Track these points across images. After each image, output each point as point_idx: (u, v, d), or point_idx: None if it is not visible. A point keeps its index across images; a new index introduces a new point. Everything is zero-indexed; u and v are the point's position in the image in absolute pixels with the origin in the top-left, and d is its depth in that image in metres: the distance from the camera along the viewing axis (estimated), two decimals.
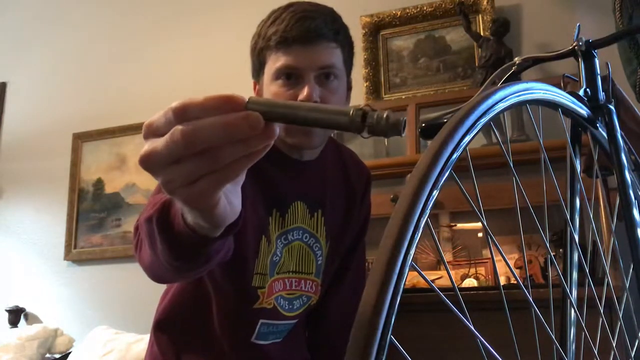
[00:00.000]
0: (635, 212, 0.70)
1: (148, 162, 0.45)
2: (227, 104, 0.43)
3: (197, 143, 0.43)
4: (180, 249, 0.63)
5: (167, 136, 0.44)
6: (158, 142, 0.44)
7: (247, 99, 0.44)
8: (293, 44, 1.06)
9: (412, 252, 0.41)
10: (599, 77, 0.78)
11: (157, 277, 0.83)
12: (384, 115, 0.40)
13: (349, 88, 1.18)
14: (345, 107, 0.41)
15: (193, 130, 0.43)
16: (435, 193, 0.44)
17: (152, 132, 0.46)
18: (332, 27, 1.09)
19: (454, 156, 0.47)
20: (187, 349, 1.18)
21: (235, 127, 0.42)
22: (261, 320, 1.16)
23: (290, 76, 1.07)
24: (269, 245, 1.15)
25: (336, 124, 0.41)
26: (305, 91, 1.05)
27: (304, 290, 1.22)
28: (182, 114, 0.44)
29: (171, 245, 0.64)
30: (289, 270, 1.19)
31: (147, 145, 0.46)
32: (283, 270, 1.18)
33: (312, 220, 1.21)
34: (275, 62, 1.08)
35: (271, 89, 1.09)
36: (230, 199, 0.51)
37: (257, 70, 1.15)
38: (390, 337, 0.38)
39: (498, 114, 0.53)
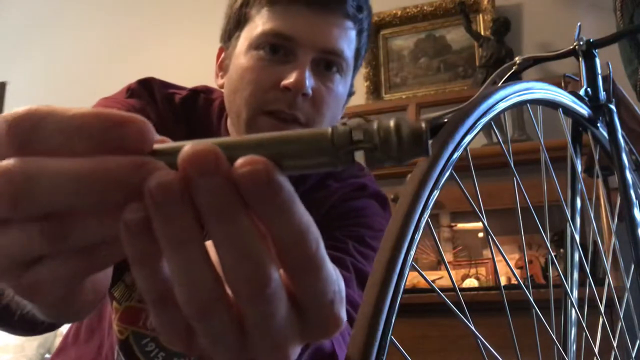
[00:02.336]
0: (636, 212, 0.70)
1: None
2: (116, 133, 0.24)
3: (32, 204, 0.23)
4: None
5: None
6: None
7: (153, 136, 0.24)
8: (296, 2, 0.74)
9: (413, 252, 0.41)
10: (599, 77, 0.77)
11: None
12: (391, 126, 0.23)
13: (350, 93, 0.85)
14: (318, 130, 0.24)
15: (26, 178, 0.23)
16: (436, 193, 0.44)
17: None
18: (356, 0, 0.77)
19: (455, 156, 0.47)
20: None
21: (116, 182, 0.23)
22: (117, 348, 0.79)
23: (277, 49, 0.74)
24: None
25: (314, 161, 0.24)
26: (294, 75, 0.71)
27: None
28: (26, 135, 0.24)
29: None
30: None
31: None
32: None
33: None
34: (262, 23, 0.74)
35: (242, 60, 0.75)
36: (95, 284, 0.28)
37: (231, 30, 0.80)
38: (391, 337, 0.38)
39: (499, 113, 0.53)
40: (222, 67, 0.83)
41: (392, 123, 0.23)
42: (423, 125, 0.23)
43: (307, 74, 0.72)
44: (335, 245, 0.78)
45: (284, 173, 0.23)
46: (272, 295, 0.24)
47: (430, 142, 0.24)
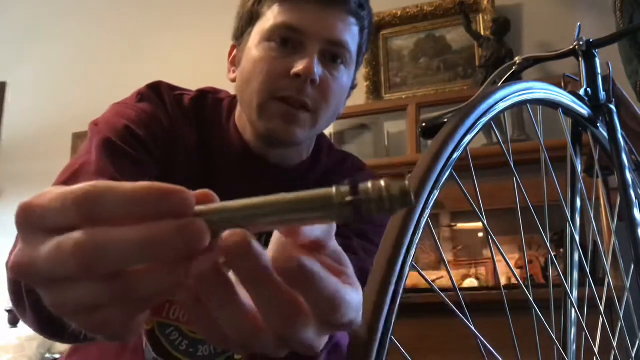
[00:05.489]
0: (635, 211, 0.70)
1: (22, 273, 0.31)
2: (163, 203, 0.29)
3: (101, 268, 0.29)
4: (54, 325, 0.45)
5: (53, 245, 0.29)
6: (39, 247, 0.30)
7: (200, 208, 0.30)
8: None
9: (413, 252, 0.41)
10: (599, 77, 0.77)
11: None
12: (382, 186, 0.29)
13: (353, 86, 0.92)
14: (325, 190, 0.29)
15: (95, 248, 0.28)
16: (436, 193, 0.44)
17: (35, 223, 0.30)
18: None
19: (455, 156, 0.47)
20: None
21: (164, 245, 0.28)
22: (145, 339, 0.83)
23: (287, 41, 0.80)
24: None
25: (319, 214, 0.30)
26: (304, 62, 0.78)
27: None
28: (92, 209, 0.29)
29: (43, 317, 0.48)
30: None
31: (22, 247, 0.31)
32: None
33: None
34: (273, 17, 0.81)
35: (254, 53, 0.82)
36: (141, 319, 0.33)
37: (243, 26, 0.87)
38: (391, 337, 0.38)
39: (499, 113, 0.53)
40: (234, 63, 0.89)
41: (383, 184, 0.29)
42: (407, 183, 0.29)
43: (316, 62, 0.79)
44: (341, 242, 0.77)
45: (296, 226, 0.31)
46: (297, 324, 0.31)
47: (413, 195, 0.29)
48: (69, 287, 0.30)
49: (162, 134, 0.82)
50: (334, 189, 0.29)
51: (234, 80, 0.88)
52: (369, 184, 0.29)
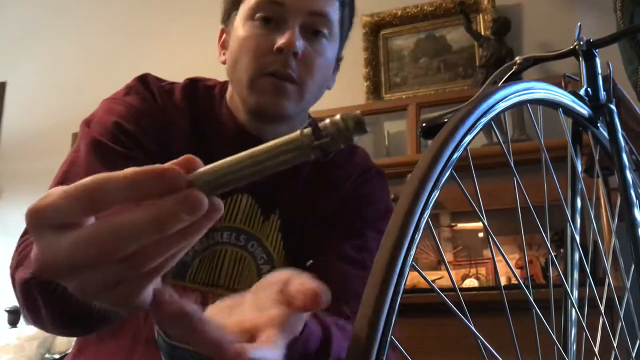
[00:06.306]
0: (636, 212, 0.70)
1: (46, 270, 0.34)
2: (159, 183, 0.32)
3: (118, 251, 0.32)
4: (72, 315, 0.48)
5: (71, 240, 0.33)
6: (57, 244, 0.33)
7: (190, 176, 0.34)
8: None
9: (413, 252, 0.41)
10: (599, 77, 0.77)
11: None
12: (338, 119, 0.33)
13: (339, 58, 0.95)
14: (292, 135, 0.34)
15: (112, 234, 0.32)
16: (436, 193, 0.44)
17: (46, 223, 0.33)
18: None
19: (455, 156, 0.47)
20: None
21: (170, 218, 0.32)
22: (156, 328, 0.88)
23: (269, 20, 0.84)
24: None
25: (291, 156, 0.34)
26: (285, 36, 0.81)
27: None
28: (95, 200, 0.32)
29: (60, 312, 0.50)
30: (217, 283, 0.87)
31: (40, 244, 0.34)
32: (207, 281, 0.88)
33: (263, 224, 0.89)
34: None
35: (240, 32, 0.85)
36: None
37: (229, 9, 0.91)
38: (391, 337, 0.38)
39: (499, 113, 0.53)
40: (224, 45, 0.93)
41: (339, 117, 0.33)
42: (359, 112, 0.33)
43: (297, 34, 0.82)
44: (357, 244, 0.87)
45: (273, 171, 0.34)
46: None
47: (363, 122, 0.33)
48: (91, 272, 0.33)
49: (153, 125, 0.84)
50: (298, 132, 0.33)
51: (224, 63, 0.91)
52: (327, 122, 0.33)
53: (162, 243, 0.33)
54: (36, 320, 0.61)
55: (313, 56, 0.84)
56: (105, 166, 0.75)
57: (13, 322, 2.75)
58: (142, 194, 0.32)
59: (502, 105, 0.53)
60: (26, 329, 2.56)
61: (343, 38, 0.93)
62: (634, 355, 0.68)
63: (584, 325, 0.61)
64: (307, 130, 0.33)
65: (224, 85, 0.94)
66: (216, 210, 0.34)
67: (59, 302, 0.45)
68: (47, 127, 3.07)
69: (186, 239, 0.34)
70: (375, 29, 2.55)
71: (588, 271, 0.73)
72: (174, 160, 0.34)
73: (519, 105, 0.57)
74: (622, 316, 0.67)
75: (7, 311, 2.76)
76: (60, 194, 0.32)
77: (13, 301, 2.84)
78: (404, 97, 2.44)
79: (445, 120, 0.50)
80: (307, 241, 0.91)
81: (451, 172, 0.46)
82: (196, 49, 2.87)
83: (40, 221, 0.33)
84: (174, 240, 0.33)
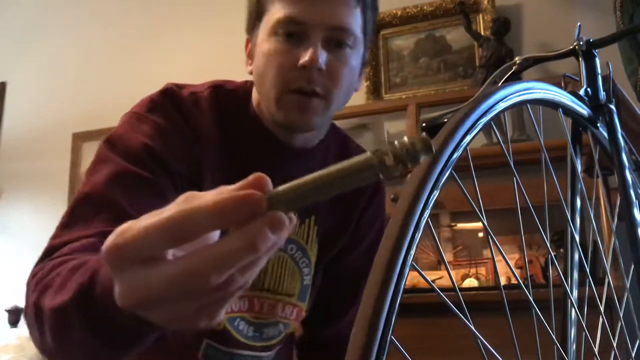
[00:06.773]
0: (635, 211, 0.70)
1: (137, 304, 0.36)
2: (244, 209, 0.33)
3: (219, 279, 0.34)
4: (115, 337, 0.46)
5: (167, 273, 0.34)
6: (148, 278, 0.34)
7: (267, 195, 0.34)
8: None
9: (413, 252, 0.41)
10: (599, 77, 0.77)
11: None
12: (407, 142, 0.34)
13: (364, 63, 0.94)
14: (364, 156, 0.34)
15: (211, 266, 0.33)
16: (436, 193, 0.44)
17: (129, 259, 0.35)
18: None
19: (455, 156, 0.47)
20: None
21: (262, 241, 0.33)
22: (206, 340, 0.91)
23: (291, 34, 0.83)
24: None
25: (362, 177, 0.34)
26: (308, 54, 0.81)
27: (281, 317, 0.95)
28: (183, 232, 0.34)
29: (100, 333, 0.47)
30: (263, 287, 0.93)
31: (125, 279, 0.35)
32: (254, 286, 0.92)
33: (300, 228, 0.95)
34: (276, 12, 0.85)
35: (264, 47, 0.86)
36: None
37: (253, 21, 0.91)
38: (391, 337, 0.38)
39: (499, 113, 0.53)
40: (250, 56, 0.93)
41: (407, 140, 0.33)
42: (425, 134, 0.34)
43: (319, 51, 0.82)
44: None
45: (342, 192, 0.34)
46: None
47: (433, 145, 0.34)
48: (188, 301, 0.35)
49: (182, 144, 0.83)
50: (369, 154, 0.34)
51: (251, 73, 0.92)
52: (396, 144, 0.33)
53: (253, 263, 0.35)
54: (60, 347, 0.57)
55: (338, 67, 0.85)
56: (127, 196, 0.73)
57: (13, 322, 2.75)
58: (229, 222, 0.34)
59: (502, 105, 0.54)
60: (26, 329, 2.55)
61: (367, 41, 0.92)
62: (633, 355, 0.68)
63: (584, 325, 0.61)
64: (379, 153, 0.33)
65: (246, 85, 0.95)
66: (292, 226, 0.35)
67: (105, 326, 0.45)
68: (47, 127, 3.07)
69: (268, 255, 0.35)
70: (375, 29, 2.54)
71: (588, 271, 0.73)
72: (247, 181, 0.35)
73: (519, 106, 0.57)
74: (621, 316, 0.67)
75: (7, 311, 2.76)
76: (141, 230, 0.33)
77: (13, 301, 2.84)
78: (403, 97, 2.44)
79: (445, 120, 0.50)
80: (332, 244, 0.99)
81: (451, 172, 0.46)
82: (198, 50, 2.87)
83: (123, 258, 0.34)
84: (262, 259, 0.35)
